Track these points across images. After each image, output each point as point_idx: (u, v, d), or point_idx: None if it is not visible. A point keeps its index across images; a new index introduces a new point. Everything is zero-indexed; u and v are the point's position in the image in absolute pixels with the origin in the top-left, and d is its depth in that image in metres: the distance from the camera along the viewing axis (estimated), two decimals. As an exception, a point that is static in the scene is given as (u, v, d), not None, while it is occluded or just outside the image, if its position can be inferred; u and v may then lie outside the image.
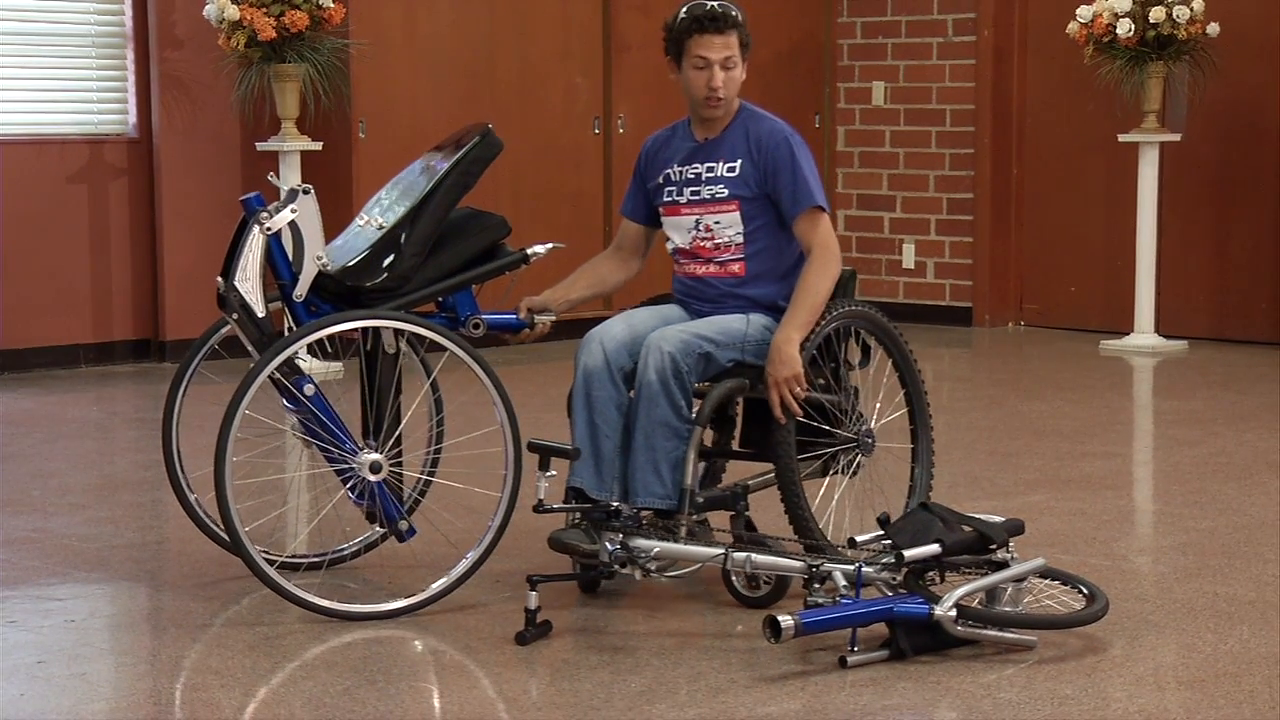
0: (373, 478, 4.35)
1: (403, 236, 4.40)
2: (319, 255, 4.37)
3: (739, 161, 4.59)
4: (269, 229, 4.35)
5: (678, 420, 4.41)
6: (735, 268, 4.61)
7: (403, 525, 4.42)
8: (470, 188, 4.48)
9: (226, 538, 4.34)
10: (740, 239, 4.60)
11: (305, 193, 4.39)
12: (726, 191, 4.59)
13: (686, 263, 4.67)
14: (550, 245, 4.60)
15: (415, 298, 4.44)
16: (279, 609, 4.38)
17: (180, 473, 4.60)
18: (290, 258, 4.38)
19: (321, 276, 4.38)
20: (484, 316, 4.54)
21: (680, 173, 4.66)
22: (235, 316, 4.36)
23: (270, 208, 4.38)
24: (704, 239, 4.62)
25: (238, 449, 4.25)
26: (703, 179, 4.62)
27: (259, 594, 4.50)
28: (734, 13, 4.60)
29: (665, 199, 4.68)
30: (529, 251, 4.55)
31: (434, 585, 4.37)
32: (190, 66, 8.59)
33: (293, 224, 4.36)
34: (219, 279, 4.40)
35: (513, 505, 4.39)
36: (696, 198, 4.62)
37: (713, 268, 4.63)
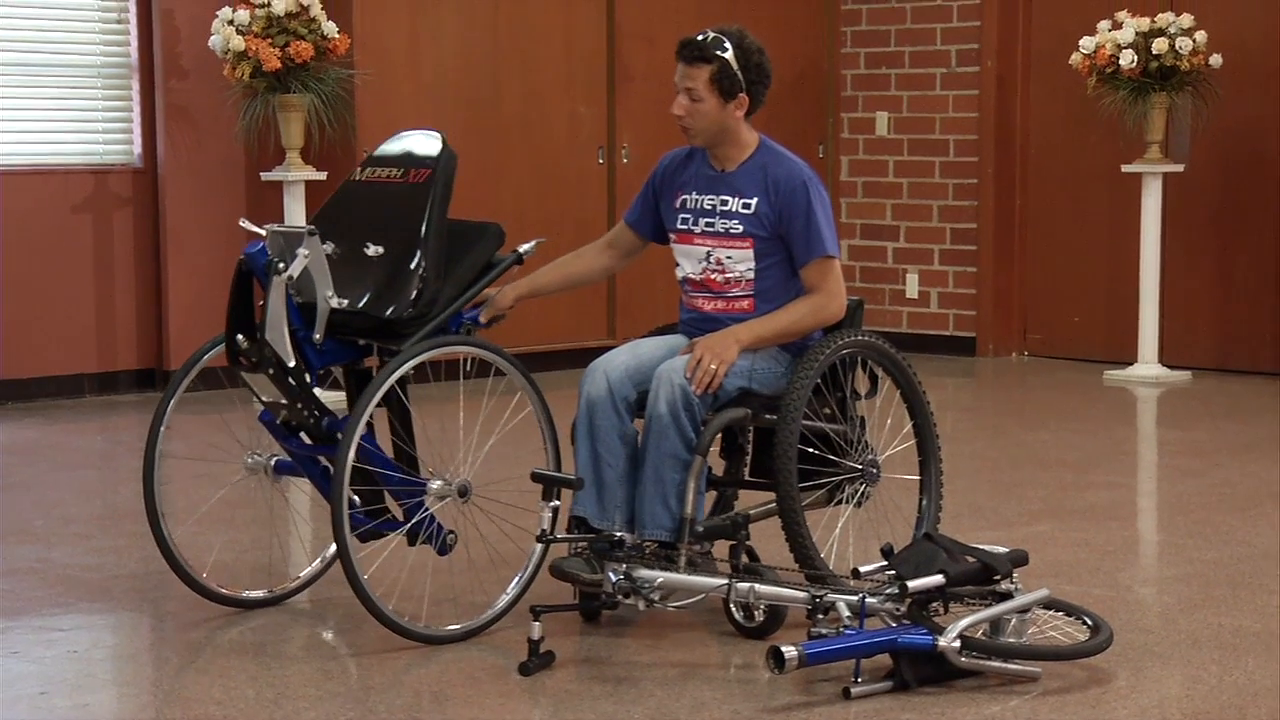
0: (460, 500, 4.39)
1: (416, 262, 4.36)
2: (329, 294, 4.34)
3: (755, 200, 4.58)
4: (291, 276, 4.30)
5: (688, 453, 4.41)
6: (744, 304, 4.61)
7: (450, 538, 4.47)
8: (450, 200, 4.49)
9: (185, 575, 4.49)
10: (751, 275, 4.60)
11: (310, 234, 4.35)
12: (741, 228, 4.59)
13: (696, 295, 4.67)
14: (536, 241, 4.63)
15: (443, 317, 4.45)
16: (282, 640, 4.37)
17: (159, 510, 4.51)
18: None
19: (335, 314, 4.36)
20: (467, 317, 4.57)
21: (697, 200, 4.65)
22: (270, 372, 4.30)
23: (278, 255, 4.32)
24: (715, 272, 4.62)
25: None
26: (718, 211, 4.61)
27: (262, 624, 4.49)
28: (714, 47, 4.55)
29: (679, 225, 4.67)
30: (521, 251, 4.58)
31: (496, 604, 4.46)
32: (195, 96, 8.61)
33: (304, 271, 4.32)
34: (237, 337, 4.31)
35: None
36: (711, 229, 4.62)
37: (721, 304, 4.63)
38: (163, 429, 4.52)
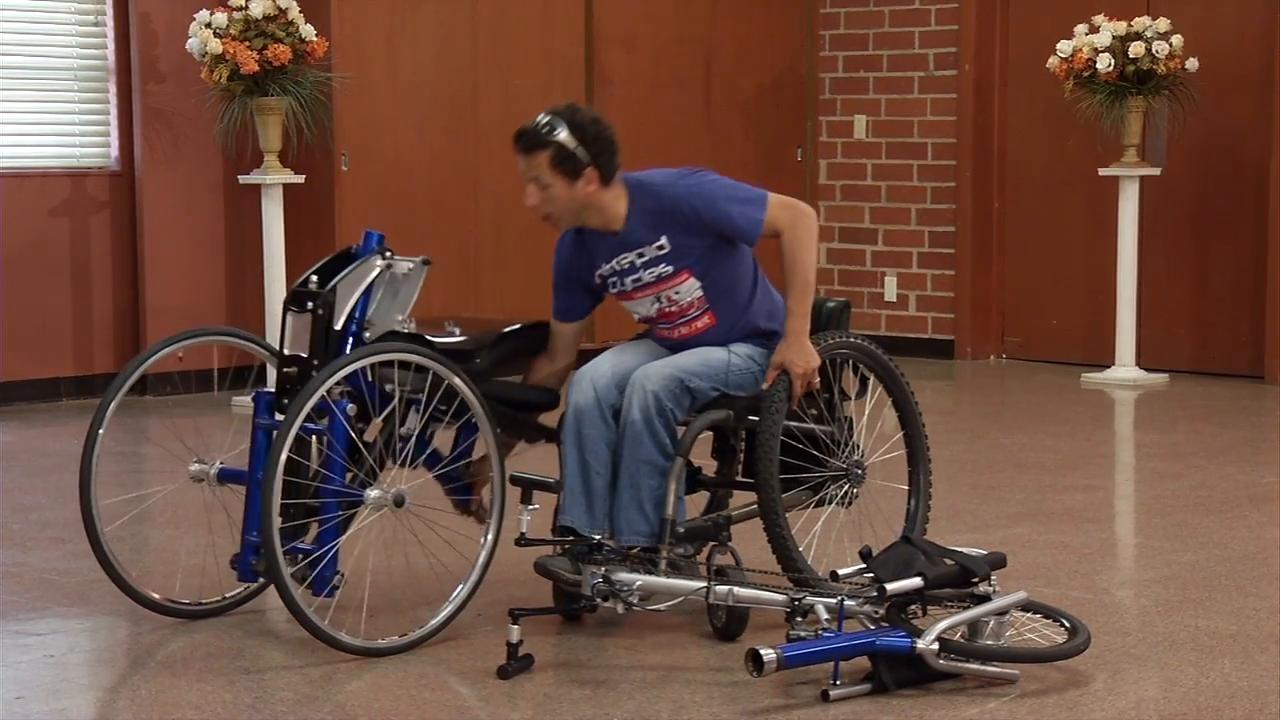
0: (396, 509, 4.34)
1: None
2: (400, 317, 4.46)
3: (663, 237, 4.52)
4: (389, 265, 4.44)
5: (663, 459, 4.42)
6: (704, 320, 4.61)
7: (338, 579, 4.33)
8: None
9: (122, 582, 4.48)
10: (700, 293, 4.58)
11: (425, 263, 4.50)
12: (671, 268, 4.55)
13: (659, 327, 4.67)
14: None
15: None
16: (260, 644, 4.36)
17: (95, 515, 4.50)
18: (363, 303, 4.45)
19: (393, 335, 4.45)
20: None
21: (614, 268, 4.59)
22: (319, 313, 4.36)
23: (391, 256, 4.47)
24: (668, 307, 4.62)
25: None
26: (638, 266, 4.57)
27: (240, 629, 4.48)
28: (546, 133, 4.43)
29: (614, 290, 4.65)
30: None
31: (431, 621, 4.36)
32: (173, 100, 8.59)
33: (392, 281, 4.45)
34: (312, 276, 4.43)
35: (497, 538, 4.42)
36: (642, 283, 4.59)
37: (683, 329, 4.62)
38: (100, 433, 4.52)
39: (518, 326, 4.70)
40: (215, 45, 7.96)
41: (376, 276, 4.46)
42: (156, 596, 4.60)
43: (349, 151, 8.73)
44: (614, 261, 4.57)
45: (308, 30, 8.09)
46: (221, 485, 4.55)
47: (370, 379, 4.37)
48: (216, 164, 8.73)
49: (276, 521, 4.12)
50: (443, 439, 4.59)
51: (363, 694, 4.04)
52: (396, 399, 4.36)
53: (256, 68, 7.95)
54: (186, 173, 8.69)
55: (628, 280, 4.59)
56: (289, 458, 4.17)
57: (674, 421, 4.45)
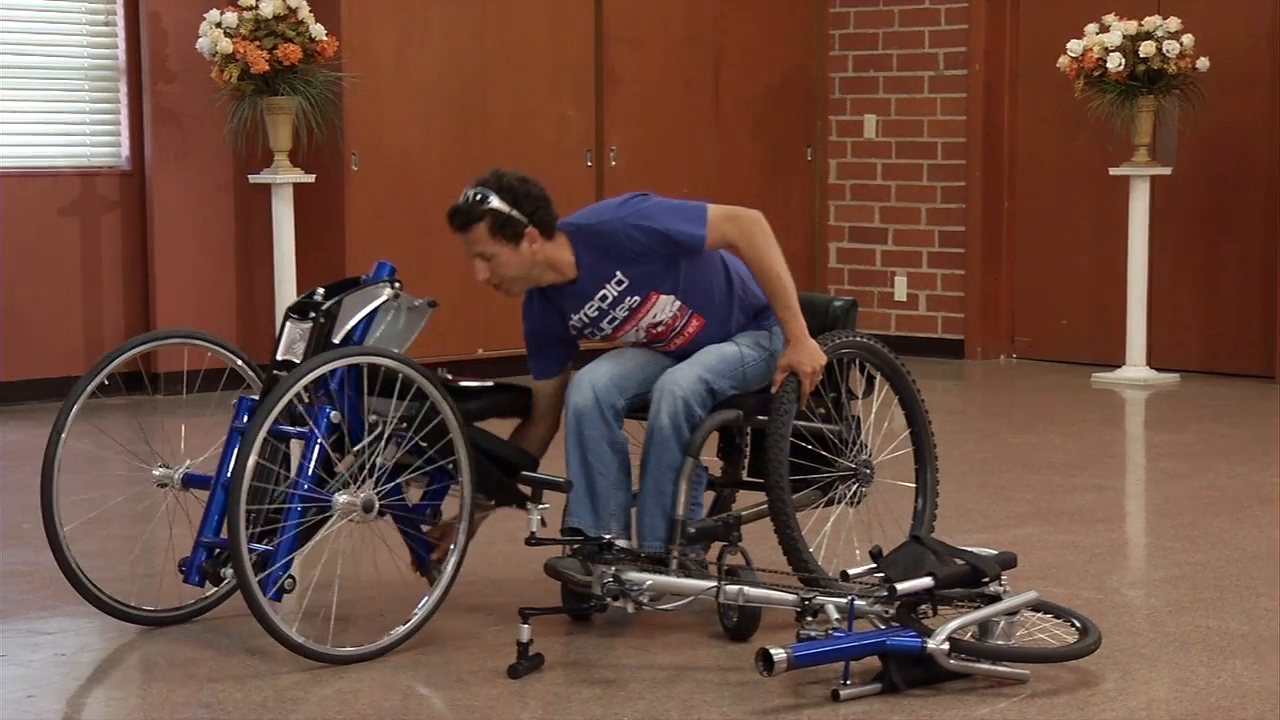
0: (366, 515, 4.32)
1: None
2: (397, 350, 4.46)
3: (617, 273, 4.51)
4: (395, 295, 4.46)
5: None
6: (694, 326, 4.61)
7: (289, 582, 4.24)
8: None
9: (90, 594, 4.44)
10: (679, 304, 4.58)
11: (432, 305, 4.53)
12: (639, 297, 4.55)
13: (653, 344, 4.66)
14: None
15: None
16: (269, 644, 4.36)
17: (58, 525, 4.47)
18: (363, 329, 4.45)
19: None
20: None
21: (583, 317, 4.58)
22: (320, 322, 4.36)
23: (400, 288, 4.48)
24: (654, 329, 4.62)
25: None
26: (605, 310, 4.56)
27: (250, 629, 4.48)
28: (478, 204, 4.42)
29: (595, 337, 4.65)
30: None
31: (396, 630, 4.31)
32: (183, 99, 8.60)
33: (398, 311, 4.46)
34: (320, 289, 4.45)
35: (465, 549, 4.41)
36: (617, 321, 4.59)
37: (678, 340, 4.63)
38: (62, 438, 4.49)
39: (509, 382, 4.66)
40: (225, 45, 7.97)
41: (382, 303, 4.45)
42: (124, 602, 4.53)
43: (359, 151, 8.74)
44: (581, 312, 4.57)
45: (318, 30, 8.10)
46: (185, 490, 4.51)
47: (356, 405, 4.31)
48: (227, 163, 8.73)
49: (245, 527, 4.04)
50: (413, 496, 4.55)
51: (372, 693, 4.04)
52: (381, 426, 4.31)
53: (267, 67, 7.96)
54: (197, 172, 8.70)
55: (604, 324, 4.59)
56: (257, 462, 4.11)
57: (698, 423, 4.47)
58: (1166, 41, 8.75)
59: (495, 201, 4.42)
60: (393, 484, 4.35)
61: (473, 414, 4.47)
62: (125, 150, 8.67)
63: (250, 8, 8.04)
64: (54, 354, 8.47)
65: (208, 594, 4.59)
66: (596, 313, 4.56)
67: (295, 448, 4.40)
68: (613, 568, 4.22)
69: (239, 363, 4.70)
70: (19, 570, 5.18)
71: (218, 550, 4.34)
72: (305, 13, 8.09)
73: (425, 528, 4.54)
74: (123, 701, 4.09)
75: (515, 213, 4.42)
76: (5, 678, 4.17)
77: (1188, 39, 8.80)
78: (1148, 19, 8.88)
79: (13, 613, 4.72)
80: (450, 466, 4.41)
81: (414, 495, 4.54)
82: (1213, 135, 9.24)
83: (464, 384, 4.52)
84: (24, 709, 3.95)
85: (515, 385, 4.68)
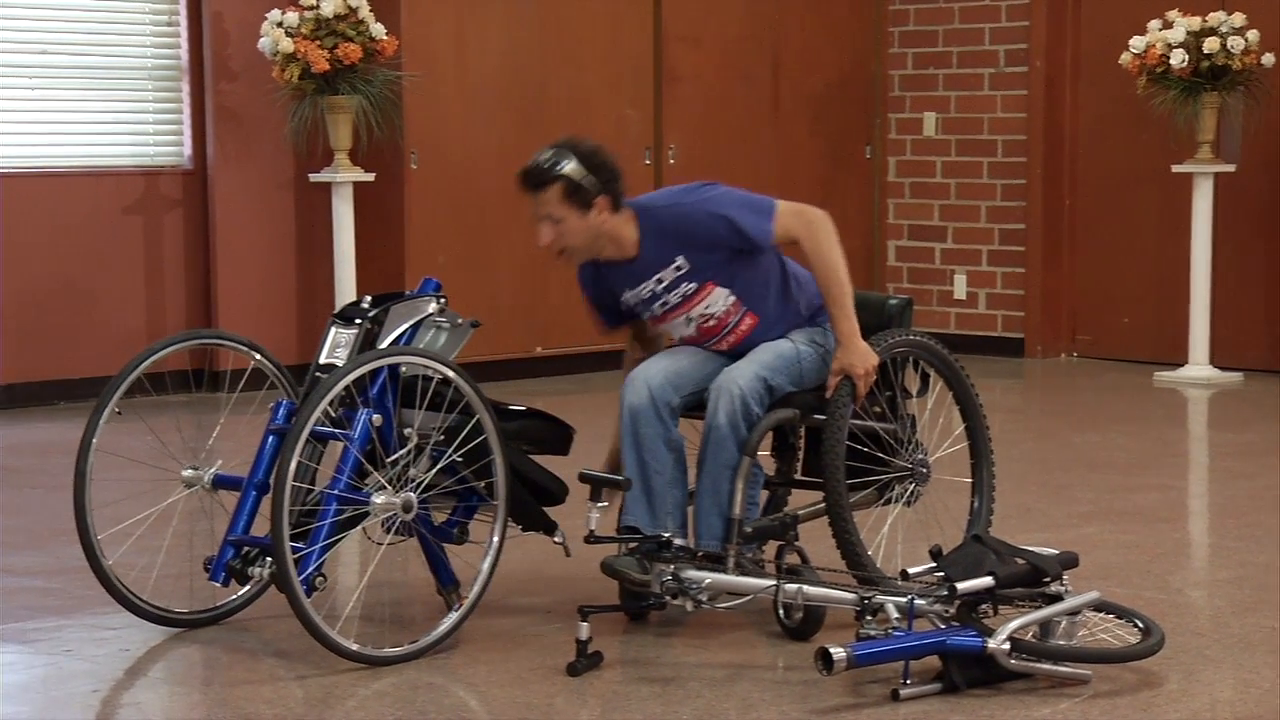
0: (405, 515, 4.29)
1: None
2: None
3: (679, 258, 4.51)
4: (442, 310, 4.46)
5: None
6: (747, 324, 4.60)
7: (319, 581, 4.22)
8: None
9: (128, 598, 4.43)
10: (733, 299, 4.57)
11: (475, 325, 4.52)
12: (694, 285, 4.54)
13: (704, 342, 4.65)
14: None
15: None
16: (316, 645, 4.37)
17: (90, 528, 4.49)
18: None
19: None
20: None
21: (636, 295, 4.59)
22: (368, 328, 4.39)
23: (444, 304, 4.49)
24: (705, 323, 4.61)
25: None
26: (659, 293, 4.57)
27: (294, 628, 4.50)
28: (552, 166, 4.45)
29: (645, 315, 4.66)
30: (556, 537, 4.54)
31: (436, 630, 4.30)
32: (244, 99, 8.66)
33: (439, 328, 4.46)
34: (368, 296, 4.49)
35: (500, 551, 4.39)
36: (669, 306, 4.59)
37: (731, 337, 4.62)
38: (94, 441, 4.54)
39: (546, 411, 4.63)
40: (286, 44, 8.02)
41: (427, 317, 4.45)
42: (154, 605, 4.54)
43: (418, 149, 8.77)
44: (637, 290, 4.58)
45: (378, 29, 8.14)
46: (214, 492, 4.52)
47: (394, 417, 4.28)
48: (287, 162, 8.79)
49: (288, 526, 4.03)
50: (437, 517, 4.51)
51: (432, 690, 4.06)
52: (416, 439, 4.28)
53: (327, 66, 8.01)
54: (258, 171, 8.76)
55: (655, 306, 4.59)
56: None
57: (756, 422, 4.46)
58: (1231, 37, 8.67)
59: (571, 166, 4.45)
60: (425, 496, 4.30)
61: (509, 435, 4.43)
62: (188, 149, 8.73)
63: (311, 7, 8.09)
64: (118, 351, 8.53)
65: (238, 594, 4.58)
66: (650, 295, 4.57)
67: (334, 450, 4.39)
68: (672, 566, 4.22)
69: (257, 357, 4.70)
70: (83, 566, 5.20)
71: (246, 549, 4.34)
72: (365, 12, 8.13)
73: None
74: (186, 696, 4.12)
75: (589, 180, 4.45)
76: (71, 672, 4.21)
77: (1252, 35, 8.72)
78: (1212, 15, 8.80)
79: (78, 608, 4.77)
80: (483, 487, 4.38)
81: (438, 517, 4.50)
82: (1277, 132, 9.15)
83: (507, 406, 4.52)
84: (89, 703, 3.99)
85: (554, 417, 4.63)
